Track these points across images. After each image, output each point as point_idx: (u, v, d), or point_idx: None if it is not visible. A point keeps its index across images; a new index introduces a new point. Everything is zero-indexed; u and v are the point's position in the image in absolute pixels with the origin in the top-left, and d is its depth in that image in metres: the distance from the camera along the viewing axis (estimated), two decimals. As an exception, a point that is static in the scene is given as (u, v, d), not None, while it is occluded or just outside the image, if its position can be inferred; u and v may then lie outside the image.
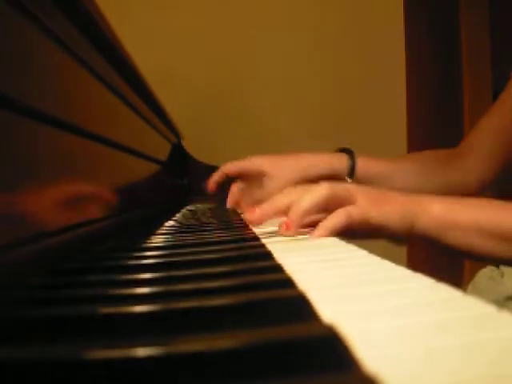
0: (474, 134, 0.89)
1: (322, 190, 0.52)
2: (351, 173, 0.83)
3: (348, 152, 0.85)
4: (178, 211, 0.97)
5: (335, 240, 0.49)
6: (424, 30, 1.52)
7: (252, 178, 0.86)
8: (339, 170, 0.84)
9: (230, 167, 0.89)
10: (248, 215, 0.56)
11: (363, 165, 0.83)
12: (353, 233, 0.53)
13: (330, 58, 1.56)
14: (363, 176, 0.83)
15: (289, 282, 0.29)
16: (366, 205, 0.53)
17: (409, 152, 1.53)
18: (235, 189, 0.86)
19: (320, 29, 1.55)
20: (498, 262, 0.58)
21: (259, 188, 0.86)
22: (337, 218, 0.51)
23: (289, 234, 0.51)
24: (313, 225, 0.54)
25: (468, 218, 0.54)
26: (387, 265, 0.34)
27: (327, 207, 0.53)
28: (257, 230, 0.57)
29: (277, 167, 0.85)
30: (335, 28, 1.56)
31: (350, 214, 0.51)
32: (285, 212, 0.53)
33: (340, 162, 0.84)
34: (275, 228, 0.55)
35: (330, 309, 0.23)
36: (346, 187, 0.55)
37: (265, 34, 1.53)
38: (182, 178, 1.23)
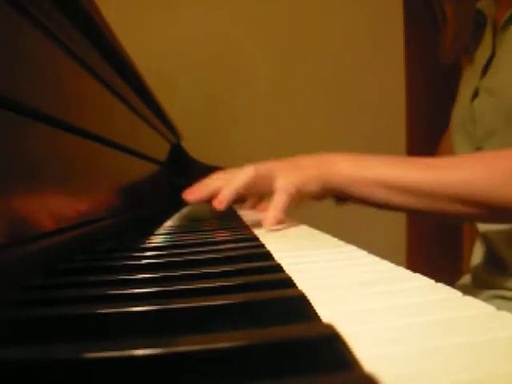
0: (442, 143, 0.98)
1: (248, 171, 0.62)
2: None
3: None
4: (178, 211, 0.97)
5: (334, 240, 0.49)
6: (424, 30, 1.52)
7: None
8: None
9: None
10: (186, 193, 0.65)
11: None
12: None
13: (330, 58, 1.56)
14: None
15: (288, 282, 0.29)
16: (290, 177, 0.61)
17: (409, 154, 1.53)
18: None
19: (319, 28, 1.55)
20: (409, 212, 0.64)
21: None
22: (280, 197, 0.60)
23: (220, 207, 0.60)
24: (241, 200, 0.67)
25: (371, 173, 0.60)
26: (387, 265, 0.34)
27: (255, 186, 0.62)
28: (257, 231, 0.57)
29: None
30: (335, 28, 1.56)
31: (287, 189, 0.60)
32: (217, 192, 0.62)
33: None
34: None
35: (329, 309, 0.23)
36: (267, 166, 0.63)
37: (265, 34, 1.53)
38: (182, 178, 1.23)
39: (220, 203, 0.60)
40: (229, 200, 0.60)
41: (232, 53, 1.52)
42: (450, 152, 0.86)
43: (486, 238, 0.76)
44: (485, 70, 0.75)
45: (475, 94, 0.76)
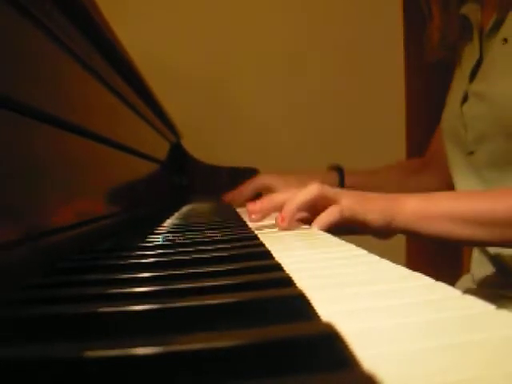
0: (433, 142, 1.00)
1: (313, 189, 0.61)
2: (341, 187, 0.99)
3: (337, 169, 1.02)
4: (178, 210, 0.97)
5: (334, 239, 0.49)
6: (424, 30, 1.51)
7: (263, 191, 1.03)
8: (331, 185, 0.98)
9: (249, 191, 1.04)
10: (250, 207, 0.64)
11: (350, 179, 0.99)
12: (340, 229, 0.60)
13: (330, 58, 1.56)
14: (350, 188, 0.97)
15: (288, 281, 0.29)
16: (351, 204, 0.60)
17: (408, 156, 1.53)
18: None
19: (319, 28, 1.55)
20: (475, 245, 0.64)
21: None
22: (330, 214, 0.59)
23: (283, 225, 0.58)
24: (304, 221, 0.63)
25: (441, 208, 0.60)
26: (386, 264, 0.34)
27: (316, 205, 0.61)
28: (257, 231, 0.57)
29: (282, 183, 1.00)
30: (335, 28, 1.56)
31: (341, 211, 0.59)
32: (281, 207, 0.60)
33: (331, 179, 0.99)
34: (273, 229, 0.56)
35: (328, 308, 0.23)
36: (334, 189, 0.63)
37: (265, 34, 1.53)
38: (181, 177, 1.23)
39: (283, 220, 0.59)
40: (291, 216, 0.59)
41: (233, 52, 1.52)
42: (443, 147, 0.86)
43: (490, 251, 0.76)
44: (473, 75, 0.76)
45: (464, 99, 0.77)
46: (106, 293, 0.28)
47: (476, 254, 0.82)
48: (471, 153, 0.75)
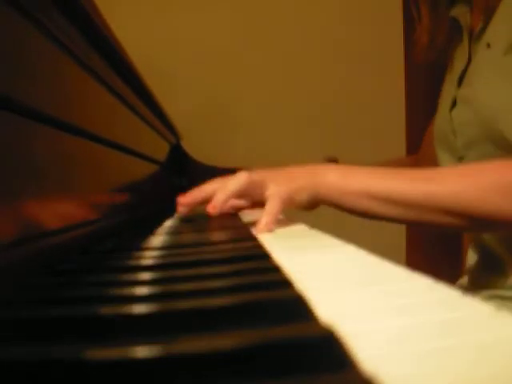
0: (424, 139, 1.00)
1: (241, 178, 0.63)
2: None
3: (333, 162, 1.01)
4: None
5: (333, 239, 0.49)
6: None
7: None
8: None
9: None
10: (180, 198, 0.66)
11: None
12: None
13: (330, 58, 1.56)
14: None
15: (287, 283, 0.29)
16: (281, 186, 0.62)
17: (408, 153, 1.53)
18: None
19: (319, 28, 1.55)
20: (396, 222, 0.64)
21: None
22: (273, 204, 0.60)
23: (214, 212, 0.61)
24: (236, 208, 0.71)
25: (359, 185, 0.61)
26: (386, 265, 0.34)
27: (248, 192, 0.63)
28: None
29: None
30: (335, 28, 1.56)
31: (281, 197, 0.61)
32: (211, 198, 0.63)
33: None
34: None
35: (328, 309, 0.23)
36: (260, 174, 0.64)
37: (265, 34, 1.53)
38: (181, 178, 1.23)
39: (214, 208, 0.61)
40: (222, 204, 0.61)
41: (232, 53, 1.52)
42: (432, 149, 0.86)
43: (481, 240, 0.76)
44: (461, 79, 0.76)
45: (453, 103, 0.76)
46: (106, 294, 0.28)
47: (470, 253, 0.82)
48: (461, 158, 0.75)
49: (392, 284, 0.28)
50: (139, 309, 0.23)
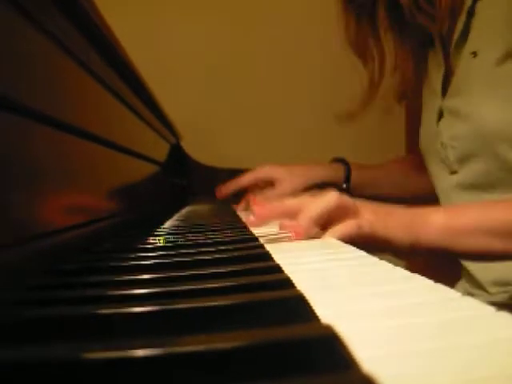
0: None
1: (331, 199, 0.53)
2: (347, 180, 0.97)
3: (343, 162, 1.00)
4: (177, 212, 0.97)
5: (332, 240, 0.49)
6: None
7: (264, 183, 0.99)
8: (337, 178, 0.98)
9: (247, 179, 1.00)
10: (257, 208, 0.56)
11: (357, 174, 0.98)
12: (355, 244, 0.52)
13: (330, 58, 1.56)
14: (357, 183, 0.98)
15: (287, 283, 0.29)
16: (371, 218, 0.53)
17: (408, 151, 1.53)
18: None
19: (319, 28, 1.55)
20: (508, 258, 0.56)
21: (270, 190, 0.97)
22: (347, 228, 0.51)
23: (299, 239, 0.50)
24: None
25: (470, 221, 0.54)
26: (386, 266, 0.34)
27: (333, 216, 0.53)
28: (256, 231, 0.57)
29: (286, 174, 0.97)
30: (335, 28, 1.56)
31: (361, 226, 0.52)
32: (292, 214, 0.53)
33: (337, 171, 0.98)
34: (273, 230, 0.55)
35: (328, 309, 0.23)
36: (353, 200, 0.55)
37: (264, 34, 1.53)
38: (181, 178, 1.23)
39: (297, 235, 0.50)
40: (308, 232, 0.51)
41: (232, 53, 1.52)
42: None
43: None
44: (444, 90, 0.73)
45: (440, 115, 0.74)
46: (106, 294, 0.28)
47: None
48: (454, 172, 0.73)
49: (391, 285, 0.28)
50: (139, 309, 0.23)
